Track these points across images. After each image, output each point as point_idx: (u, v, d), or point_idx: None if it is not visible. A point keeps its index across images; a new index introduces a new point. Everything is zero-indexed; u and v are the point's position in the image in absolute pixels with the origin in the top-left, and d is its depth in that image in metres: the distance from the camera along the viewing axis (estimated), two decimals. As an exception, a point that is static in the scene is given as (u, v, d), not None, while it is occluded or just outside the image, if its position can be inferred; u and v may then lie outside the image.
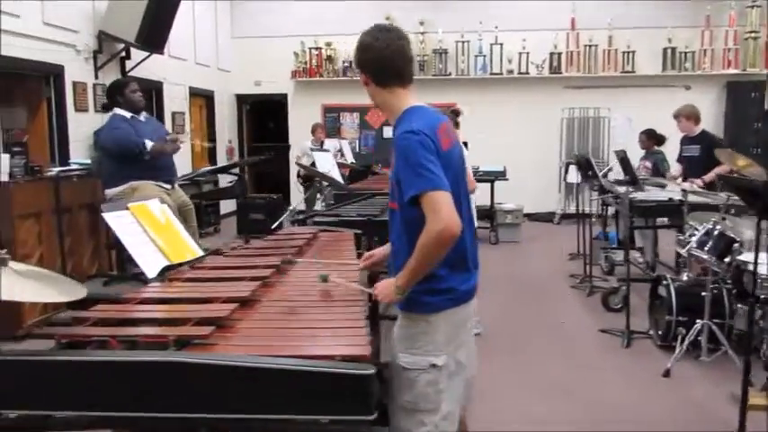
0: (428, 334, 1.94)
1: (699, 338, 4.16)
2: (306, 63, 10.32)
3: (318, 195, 9.18)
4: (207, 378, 1.50)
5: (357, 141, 10.50)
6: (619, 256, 6.90)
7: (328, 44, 10.19)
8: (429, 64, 10.05)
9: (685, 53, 9.53)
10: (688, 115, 6.26)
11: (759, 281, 4.01)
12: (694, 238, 4.34)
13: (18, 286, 1.71)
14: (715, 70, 9.52)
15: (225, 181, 8.72)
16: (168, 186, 5.08)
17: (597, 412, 3.56)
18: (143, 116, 5.15)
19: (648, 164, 7.12)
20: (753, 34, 9.30)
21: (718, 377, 3.95)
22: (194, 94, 9.28)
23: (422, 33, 10.04)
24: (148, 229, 2.54)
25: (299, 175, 9.00)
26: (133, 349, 1.67)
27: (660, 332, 4.52)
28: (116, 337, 1.68)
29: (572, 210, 9.46)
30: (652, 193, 5.13)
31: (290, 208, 4.01)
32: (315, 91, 10.49)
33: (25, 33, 5.91)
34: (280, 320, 1.93)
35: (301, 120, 10.57)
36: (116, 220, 2.44)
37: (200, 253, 2.73)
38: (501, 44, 9.76)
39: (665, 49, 9.58)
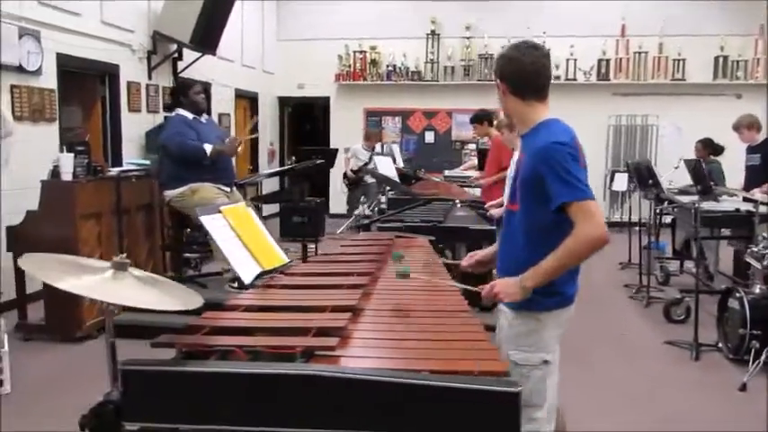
0: (538, 332, 2.08)
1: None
2: (350, 66, 10.32)
3: (363, 199, 9.20)
4: (344, 393, 1.44)
5: (398, 146, 10.44)
6: (673, 266, 6.78)
7: (373, 48, 10.19)
8: (474, 69, 9.98)
9: (737, 61, 9.33)
10: (749, 125, 6.12)
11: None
12: (769, 251, 4.22)
13: (139, 293, 1.68)
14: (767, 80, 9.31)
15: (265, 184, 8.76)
16: (228, 189, 5.08)
17: (673, 425, 3.46)
18: (204, 118, 5.16)
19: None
20: (808, 42, 9.08)
21: (797, 394, 3.82)
22: (239, 95, 9.33)
23: (467, 38, 9.98)
24: (241, 232, 2.51)
25: (345, 177, 9.00)
26: (257, 360, 1.63)
27: (731, 345, 4.40)
28: (242, 347, 1.64)
29: (616, 218, 9.32)
30: (720, 204, 4.99)
31: (356, 213, 3.97)
32: (357, 94, 10.49)
33: (84, 32, 5.99)
34: (394, 331, 1.87)
35: (343, 123, 10.59)
36: (211, 223, 2.41)
37: (287, 260, 2.69)
38: (548, 49, 9.62)
39: (716, 57, 9.40)
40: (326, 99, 10.69)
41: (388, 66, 10.19)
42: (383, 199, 5.68)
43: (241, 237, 2.50)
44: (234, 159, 8.64)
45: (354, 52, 10.28)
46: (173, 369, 1.53)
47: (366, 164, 8.93)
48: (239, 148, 5.14)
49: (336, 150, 8.55)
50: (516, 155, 2.36)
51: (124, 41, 6.63)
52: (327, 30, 10.22)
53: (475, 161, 8.15)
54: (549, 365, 2.08)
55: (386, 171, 5.44)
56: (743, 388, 3.91)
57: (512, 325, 2.11)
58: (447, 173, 8.75)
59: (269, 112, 10.63)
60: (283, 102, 10.90)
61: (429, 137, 10.45)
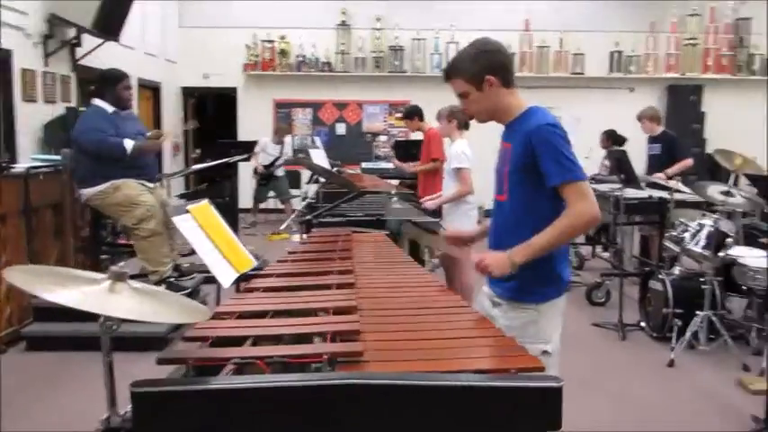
0: (538, 323, 2.10)
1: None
2: (257, 56, 10.01)
3: (271, 193, 9.01)
4: (387, 400, 1.37)
5: (309, 138, 10.29)
6: (585, 251, 7.15)
7: (282, 37, 9.94)
8: (385, 61, 9.99)
9: (631, 57, 9.95)
10: (651, 117, 6.57)
11: (748, 273, 4.24)
12: (687, 234, 4.54)
13: (139, 304, 1.52)
14: (657, 74, 10.02)
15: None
16: (151, 185, 4.77)
17: (611, 404, 3.63)
18: (125, 111, 4.80)
19: (608, 162, 7.40)
20: (692, 41, 9.84)
21: (718, 365, 4.16)
22: (142, 85, 8.79)
23: (378, 30, 9.96)
24: (210, 233, 2.35)
25: (256, 172, 8.76)
26: (281, 371, 1.52)
27: (653, 324, 4.70)
28: (262, 358, 1.52)
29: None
30: (636, 191, 5.30)
31: (299, 209, 3.85)
32: (266, 85, 10.21)
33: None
34: (408, 331, 1.82)
35: (252, 115, 10.28)
36: (184, 225, 2.24)
37: (255, 262, 2.55)
38: (457, 43, 9.82)
39: (611, 53, 9.98)
40: (233, 90, 10.32)
41: (297, 56, 9.99)
42: (311, 193, 5.55)
43: (211, 238, 2.34)
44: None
45: (263, 42, 9.98)
46: (196, 388, 1.38)
47: (278, 158, 8.77)
48: (165, 142, 4.83)
49: (255, 143, 8.29)
50: (501, 145, 2.34)
51: (17, 25, 6.03)
52: (234, 17, 9.86)
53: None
54: (548, 356, 2.07)
55: (321, 163, 5.32)
56: (671, 364, 4.19)
57: (509, 317, 2.12)
58: (364, 165, 8.75)
59: (172, 103, 10.11)
60: (187, 92, 10.41)
61: (340, 129, 10.36)
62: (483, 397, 1.39)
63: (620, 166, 4.82)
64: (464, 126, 4.91)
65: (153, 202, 4.61)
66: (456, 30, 9.81)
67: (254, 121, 10.21)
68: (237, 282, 2.27)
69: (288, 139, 8.99)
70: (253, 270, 2.41)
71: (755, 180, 3.56)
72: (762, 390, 3.51)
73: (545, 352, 2.07)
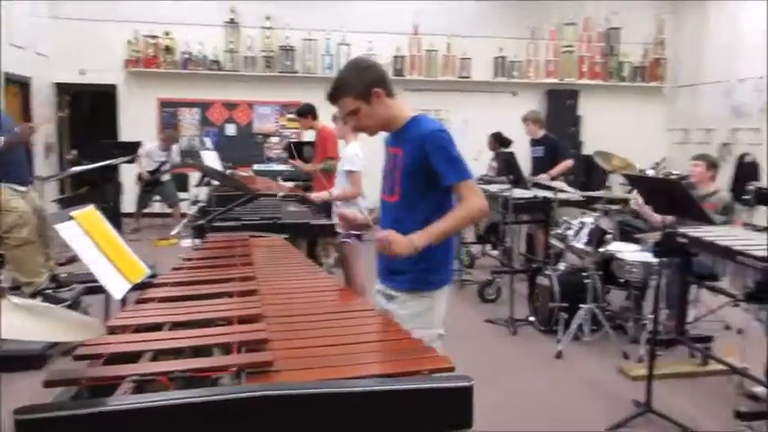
0: (433, 309, 2.34)
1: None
2: (140, 52, 9.52)
3: (157, 197, 8.62)
4: (301, 410, 1.33)
5: (197, 139, 9.93)
6: (475, 249, 7.39)
7: (167, 33, 9.51)
8: (276, 61, 9.83)
9: (513, 62, 10.40)
10: (534, 120, 6.91)
11: (625, 266, 4.55)
12: (570, 232, 4.81)
13: (22, 322, 1.38)
14: (538, 79, 10.53)
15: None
16: (23, 189, 4.40)
17: (505, 397, 3.77)
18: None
19: (495, 164, 7.71)
20: (568, 49, 10.45)
21: (601, 354, 4.44)
22: (9, 80, 8.09)
23: (268, 29, 9.78)
24: (98, 241, 2.19)
25: (140, 178, 8.37)
26: (186, 387, 1.43)
27: (541, 318, 4.93)
28: (166, 373, 1.42)
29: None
30: (522, 192, 5.54)
31: (191, 213, 3.71)
32: (150, 83, 9.73)
33: None
34: (316, 337, 1.77)
35: (134, 114, 9.77)
36: (67, 233, 2.07)
37: (148, 270, 2.41)
38: (348, 44, 9.86)
39: (496, 58, 10.38)
40: (113, 87, 9.74)
41: (183, 53, 9.60)
42: (202, 196, 5.35)
43: (100, 246, 2.18)
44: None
45: (145, 37, 9.50)
46: (92, 410, 1.26)
47: (164, 163, 8.41)
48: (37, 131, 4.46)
49: (138, 143, 7.87)
50: (388, 150, 2.43)
51: None
52: (114, 11, 9.30)
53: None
54: (442, 339, 2.34)
55: (214, 165, 5.13)
56: (558, 355, 4.41)
57: (408, 306, 2.31)
58: (256, 167, 8.55)
59: (44, 100, 9.39)
60: (62, 89, 9.70)
61: (230, 129, 10.07)
62: (399, 400, 1.39)
63: (508, 167, 5.02)
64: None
65: (25, 208, 4.27)
66: (347, 32, 9.84)
67: (136, 120, 9.70)
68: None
69: (175, 146, 8.67)
70: (146, 279, 2.28)
71: (632, 179, 3.83)
72: (640, 376, 3.78)
73: (440, 335, 2.34)
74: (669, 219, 3.80)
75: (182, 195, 8.86)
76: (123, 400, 1.32)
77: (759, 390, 3.47)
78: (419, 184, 2.27)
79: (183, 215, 8.00)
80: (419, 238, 2.16)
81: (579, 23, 10.50)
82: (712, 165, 4.70)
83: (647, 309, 4.59)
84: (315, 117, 5.98)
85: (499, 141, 8.14)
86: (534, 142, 6.98)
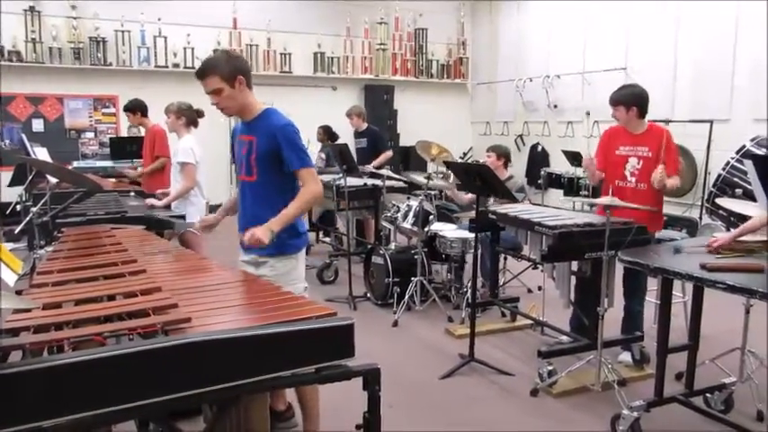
0: (297, 268, 2.87)
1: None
2: None
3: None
4: (220, 353, 1.59)
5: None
6: (311, 237, 7.74)
7: (-45, 20, 8.58)
8: (86, 52, 9.31)
9: (332, 58, 10.89)
10: (358, 114, 7.45)
11: (447, 243, 5.21)
12: (399, 214, 5.36)
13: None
14: (355, 74, 11.13)
15: None
16: None
17: (357, 360, 4.19)
18: None
19: (323, 155, 8.12)
20: (382, 46, 11.18)
21: (431, 320, 5.05)
22: None
23: (74, 18, 9.23)
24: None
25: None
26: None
27: (377, 293, 5.44)
28: (101, 333, 1.60)
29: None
30: (356, 180, 6.01)
31: (35, 210, 3.62)
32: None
33: None
34: (217, 301, 2.00)
35: None
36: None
37: (21, 261, 2.43)
38: (165, 37, 9.64)
39: (315, 54, 10.78)
40: None
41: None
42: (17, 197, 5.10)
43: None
44: None
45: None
46: (46, 365, 1.41)
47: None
48: None
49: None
50: (239, 138, 2.86)
51: None
52: None
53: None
54: (306, 290, 2.85)
55: (48, 160, 4.87)
56: (395, 324, 4.95)
57: (276, 268, 2.78)
58: (76, 164, 8.09)
59: None
60: None
61: (37, 125, 9.35)
62: (302, 338, 1.74)
63: (342, 157, 5.44)
64: (192, 123, 5.03)
65: None
66: (163, 23, 9.62)
67: None
68: None
69: None
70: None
71: (450, 164, 4.43)
72: (464, 334, 4.43)
73: (305, 287, 2.88)
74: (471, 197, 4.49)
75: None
76: (72, 355, 1.48)
77: (564, 338, 4.27)
78: (275, 166, 2.72)
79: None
80: (275, 224, 2.60)
81: (391, 23, 11.27)
82: (502, 155, 5.45)
83: (466, 278, 5.30)
84: (144, 114, 5.92)
85: (328, 135, 8.55)
86: (358, 134, 7.52)
